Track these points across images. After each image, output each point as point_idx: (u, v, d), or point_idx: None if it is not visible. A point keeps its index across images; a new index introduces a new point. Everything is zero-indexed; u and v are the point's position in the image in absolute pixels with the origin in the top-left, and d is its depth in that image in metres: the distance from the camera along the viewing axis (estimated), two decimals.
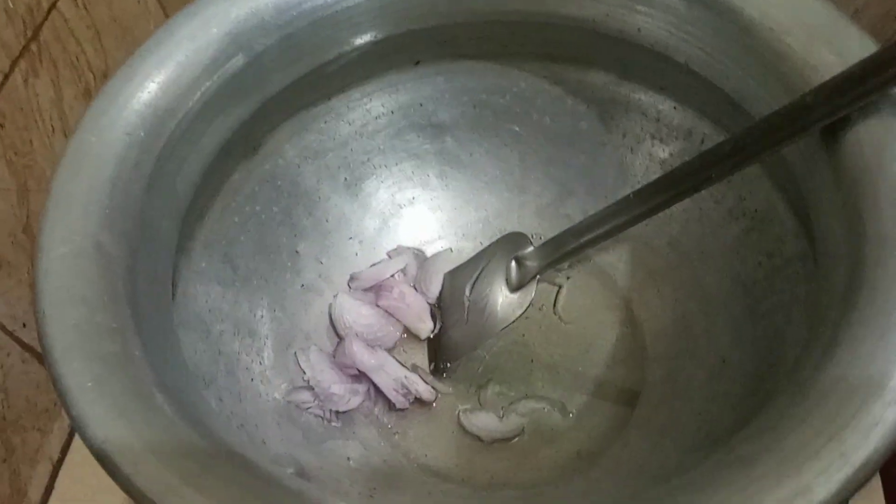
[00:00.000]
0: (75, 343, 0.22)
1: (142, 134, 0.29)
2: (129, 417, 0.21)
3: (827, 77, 0.27)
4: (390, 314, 0.41)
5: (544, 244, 0.38)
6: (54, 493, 0.50)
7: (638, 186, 0.40)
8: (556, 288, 0.42)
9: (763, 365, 0.32)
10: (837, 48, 0.28)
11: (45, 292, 0.24)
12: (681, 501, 0.19)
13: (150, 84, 0.30)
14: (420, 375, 0.39)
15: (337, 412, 0.37)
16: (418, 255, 0.43)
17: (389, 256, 0.43)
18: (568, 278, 0.42)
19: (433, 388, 0.39)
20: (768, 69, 0.30)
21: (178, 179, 0.30)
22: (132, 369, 0.22)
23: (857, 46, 0.28)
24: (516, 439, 0.38)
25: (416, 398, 0.39)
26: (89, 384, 0.21)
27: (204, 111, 0.31)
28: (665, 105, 0.38)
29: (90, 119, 0.28)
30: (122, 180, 0.27)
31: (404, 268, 0.42)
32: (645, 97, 0.38)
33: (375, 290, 0.42)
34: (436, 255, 0.43)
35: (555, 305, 0.42)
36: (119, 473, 0.20)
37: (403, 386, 0.38)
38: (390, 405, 0.38)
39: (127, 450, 0.20)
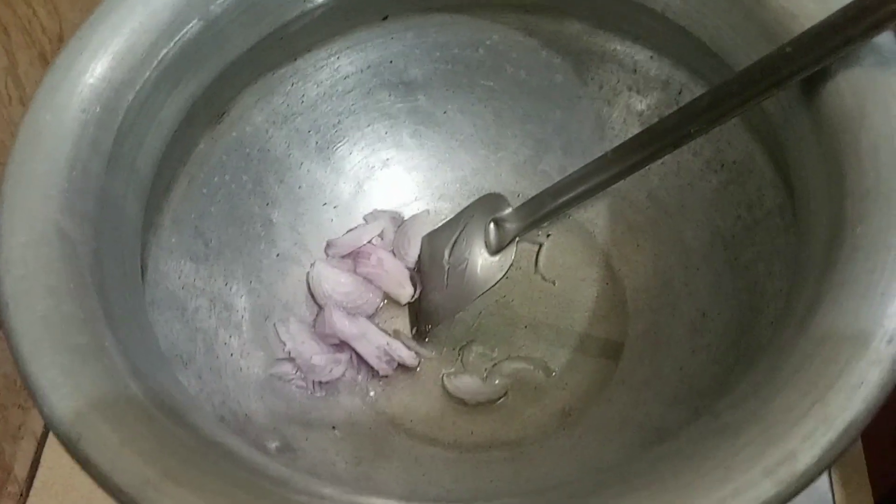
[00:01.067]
0: (43, 336, 0.22)
1: (98, 109, 0.27)
2: (102, 412, 0.20)
3: (806, 24, 0.26)
4: (369, 281, 0.40)
5: (522, 205, 0.37)
6: (40, 468, 0.50)
7: (616, 140, 0.39)
8: (536, 247, 0.42)
9: (743, 318, 0.32)
10: None
11: (7, 283, 0.23)
12: (664, 471, 0.19)
13: (104, 55, 0.28)
14: (402, 341, 0.39)
15: (320, 382, 0.37)
16: (395, 217, 0.43)
17: (366, 221, 0.42)
18: (548, 236, 0.42)
19: (416, 353, 0.39)
20: (747, 17, 0.29)
21: (140, 154, 0.29)
22: (104, 360, 0.22)
23: None
24: (501, 400, 0.38)
25: (399, 364, 0.38)
26: (60, 380, 0.21)
27: (162, 80, 0.30)
28: (641, 55, 0.37)
29: (43, 95, 0.27)
30: (80, 160, 0.26)
31: (381, 232, 0.42)
32: (621, 47, 0.37)
33: (353, 257, 0.41)
34: (413, 218, 0.42)
35: (536, 265, 0.41)
36: (97, 471, 0.20)
37: (386, 353, 0.38)
38: (374, 373, 0.38)
39: (103, 446, 0.20)
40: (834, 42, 0.24)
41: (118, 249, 0.27)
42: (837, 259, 0.22)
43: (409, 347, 0.38)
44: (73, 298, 0.23)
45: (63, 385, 0.21)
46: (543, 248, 0.42)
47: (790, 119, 0.27)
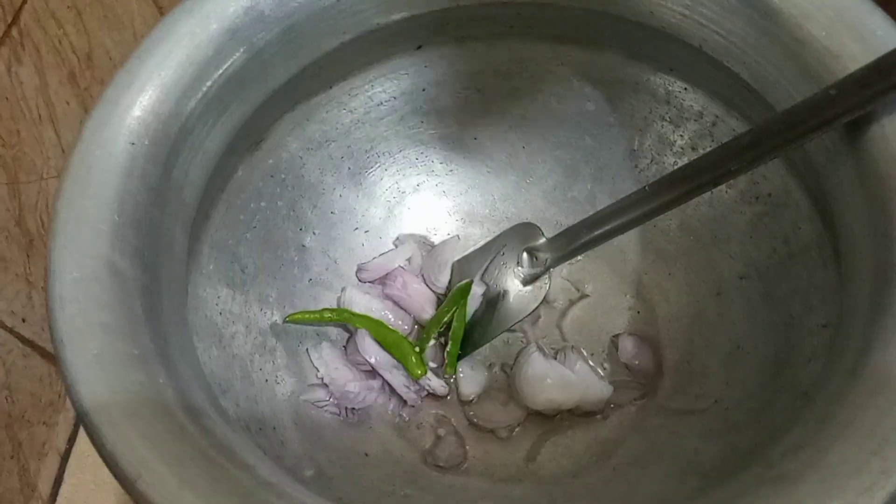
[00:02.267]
0: (98, 376, 0.22)
1: (146, 142, 0.28)
2: (161, 453, 0.21)
3: (849, 65, 0.27)
4: (399, 306, 0.41)
5: (557, 235, 0.38)
6: (64, 484, 0.50)
7: (647, 169, 0.39)
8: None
9: (780, 352, 0.32)
10: (860, 35, 0.27)
11: (61, 321, 0.23)
12: None
13: (151, 88, 0.28)
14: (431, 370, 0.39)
15: (353, 409, 0.37)
16: (424, 242, 0.43)
17: (395, 246, 0.42)
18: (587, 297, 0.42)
19: (444, 383, 0.39)
20: (788, 55, 0.29)
21: (186, 185, 0.30)
22: (158, 398, 0.22)
23: (880, 33, 0.27)
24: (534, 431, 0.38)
25: (428, 393, 0.38)
26: (118, 419, 0.21)
27: (207, 112, 0.30)
28: (675, 86, 0.37)
29: (91, 129, 0.27)
30: (129, 194, 0.26)
31: (409, 257, 0.42)
32: (654, 78, 0.37)
33: (381, 281, 0.41)
34: (443, 243, 0.43)
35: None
36: None
37: (415, 382, 0.38)
38: (404, 400, 0.38)
39: (162, 488, 0.20)
40: (880, 86, 0.24)
41: (166, 281, 0.27)
42: (887, 306, 0.22)
43: (438, 376, 0.38)
44: (126, 336, 0.23)
45: (121, 425, 0.21)
46: (574, 272, 0.42)
47: (833, 161, 0.28)
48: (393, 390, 0.38)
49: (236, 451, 0.22)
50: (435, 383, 0.38)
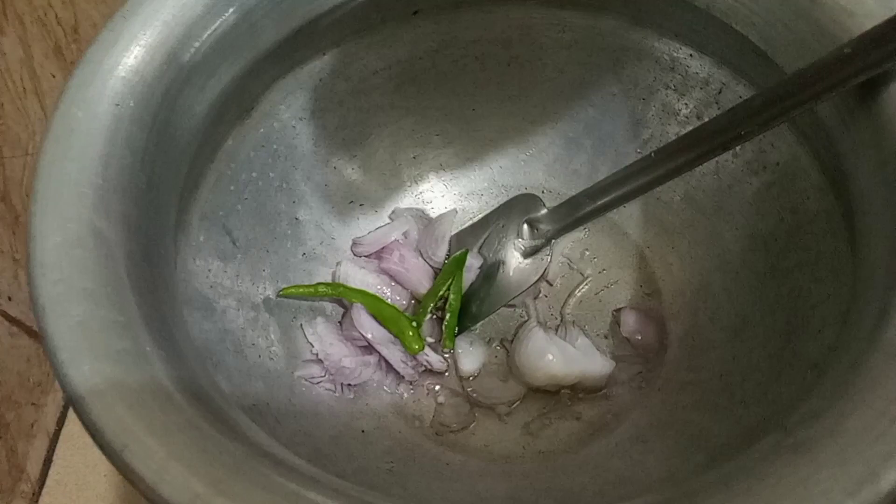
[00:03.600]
0: (82, 343, 0.21)
1: (131, 104, 0.26)
2: (148, 423, 0.19)
3: (865, 22, 0.26)
4: (395, 280, 0.40)
5: (558, 206, 0.36)
6: (53, 465, 0.49)
7: (651, 140, 0.38)
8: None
9: (788, 324, 0.31)
10: None
11: (43, 287, 0.22)
12: (737, 489, 0.18)
13: (136, 48, 0.27)
14: (430, 345, 0.38)
15: (348, 385, 0.36)
16: (421, 216, 0.42)
17: (391, 219, 0.41)
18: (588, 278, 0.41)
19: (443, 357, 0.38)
20: (799, 13, 0.28)
21: (173, 150, 0.28)
22: (147, 367, 0.21)
23: None
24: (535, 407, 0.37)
25: (426, 369, 0.37)
26: (102, 388, 0.20)
27: (195, 74, 0.29)
28: (681, 52, 0.36)
29: (74, 90, 0.26)
30: (114, 157, 0.25)
31: (406, 231, 0.41)
32: (659, 44, 0.36)
33: (377, 255, 0.40)
34: (440, 217, 0.41)
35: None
36: (143, 484, 0.19)
37: (412, 357, 0.37)
38: (401, 376, 0.37)
39: (149, 458, 0.19)
40: None
41: (153, 248, 0.26)
42: None
43: (436, 351, 0.37)
44: (112, 302, 0.22)
45: (105, 394, 0.20)
46: (575, 248, 0.41)
47: (847, 123, 0.27)
48: (390, 366, 0.37)
49: (228, 420, 0.21)
50: (433, 358, 0.37)
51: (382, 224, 0.41)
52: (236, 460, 0.19)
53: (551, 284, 0.40)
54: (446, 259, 0.40)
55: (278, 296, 0.36)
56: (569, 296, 0.40)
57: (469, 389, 0.37)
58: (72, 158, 0.25)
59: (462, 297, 0.38)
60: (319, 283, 0.38)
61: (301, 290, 0.37)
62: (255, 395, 0.31)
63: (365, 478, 0.31)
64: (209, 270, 0.33)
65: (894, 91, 0.24)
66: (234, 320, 0.33)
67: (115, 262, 0.23)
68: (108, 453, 0.19)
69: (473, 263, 0.38)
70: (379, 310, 0.37)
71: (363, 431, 0.35)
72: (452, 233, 0.41)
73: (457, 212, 0.42)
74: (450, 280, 0.37)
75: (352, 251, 0.40)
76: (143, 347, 0.21)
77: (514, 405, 0.37)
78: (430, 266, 0.40)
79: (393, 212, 0.42)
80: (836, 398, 0.20)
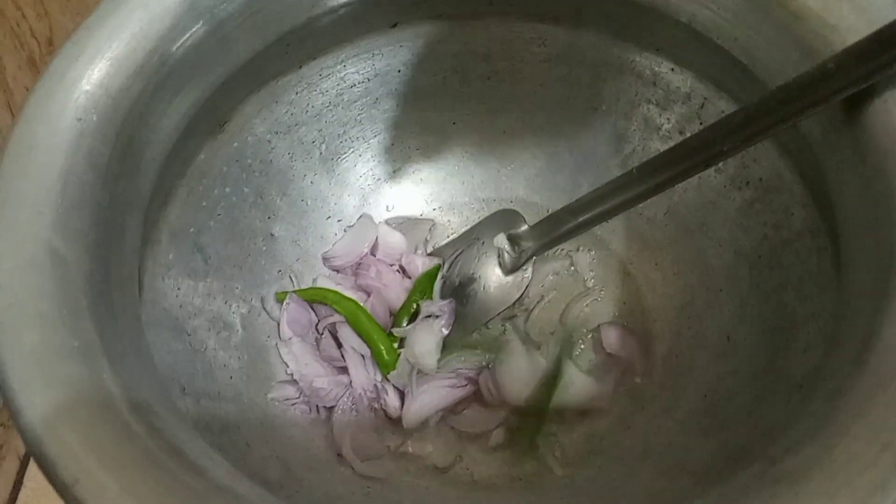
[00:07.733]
0: (34, 370, 0.20)
1: (94, 118, 0.25)
2: (100, 456, 0.18)
3: (848, 38, 0.25)
4: (372, 296, 0.39)
5: (540, 223, 0.36)
6: (23, 489, 0.48)
7: (633, 155, 0.38)
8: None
9: (772, 343, 0.30)
10: (859, 5, 0.26)
11: None
12: None
13: (101, 61, 0.26)
14: (395, 386, 0.36)
15: (324, 406, 0.35)
16: (389, 223, 0.41)
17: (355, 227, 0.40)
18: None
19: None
20: (781, 29, 0.27)
21: (139, 166, 0.27)
22: (102, 395, 0.20)
23: (880, 2, 0.25)
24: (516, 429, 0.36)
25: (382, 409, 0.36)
26: (53, 418, 0.19)
27: (162, 88, 0.28)
28: (662, 67, 0.35)
29: (35, 104, 0.25)
30: (74, 173, 0.24)
31: (375, 241, 0.40)
32: (640, 58, 0.36)
33: (354, 272, 0.39)
34: (419, 231, 0.41)
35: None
36: None
37: (375, 389, 0.36)
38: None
39: (101, 493, 0.18)
40: (883, 59, 0.23)
41: (115, 269, 0.25)
42: (891, 294, 0.21)
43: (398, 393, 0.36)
44: (67, 326, 0.21)
45: (57, 424, 0.19)
46: (558, 262, 0.40)
47: (831, 139, 0.26)
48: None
49: (187, 452, 0.20)
50: (391, 400, 0.35)
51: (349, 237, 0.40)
52: (193, 495, 0.18)
53: (532, 296, 0.39)
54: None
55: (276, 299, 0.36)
56: (551, 300, 0.39)
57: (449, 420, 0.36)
58: (30, 176, 0.23)
59: None
60: (313, 288, 0.38)
61: (300, 292, 0.37)
62: (224, 418, 0.30)
63: (339, 502, 0.30)
64: (179, 289, 0.32)
65: (879, 107, 0.24)
66: (204, 341, 0.32)
67: (73, 284, 0.22)
68: (58, 488, 0.18)
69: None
70: (358, 323, 0.36)
71: (340, 455, 0.34)
72: (433, 246, 0.40)
73: (436, 226, 0.41)
74: (423, 295, 0.37)
75: (325, 266, 0.39)
76: (99, 374, 0.20)
77: (497, 429, 0.36)
78: (409, 278, 0.40)
79: (360, 219, 0.40)
80: (822, 425, 0.19)
